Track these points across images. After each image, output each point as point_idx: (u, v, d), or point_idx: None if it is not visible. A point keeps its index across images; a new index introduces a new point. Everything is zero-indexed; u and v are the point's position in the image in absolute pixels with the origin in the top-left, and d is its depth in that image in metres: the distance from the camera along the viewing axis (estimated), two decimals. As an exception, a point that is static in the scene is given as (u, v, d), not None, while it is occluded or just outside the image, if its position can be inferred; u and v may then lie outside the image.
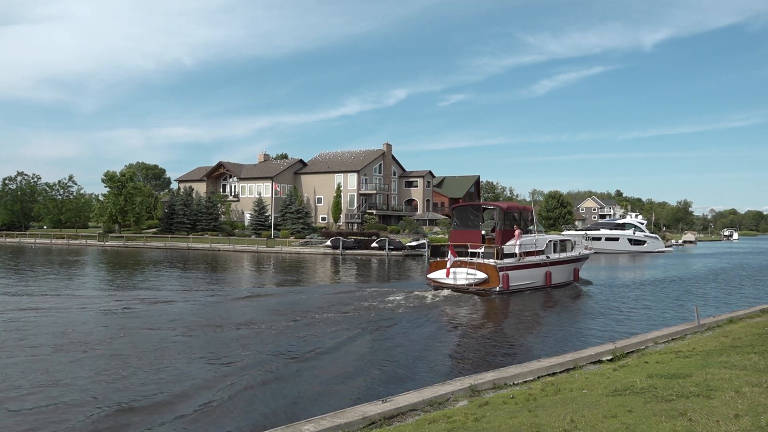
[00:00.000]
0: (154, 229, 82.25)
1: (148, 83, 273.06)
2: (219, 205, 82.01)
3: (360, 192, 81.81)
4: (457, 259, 26.34)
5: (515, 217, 28.70)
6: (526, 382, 9.99)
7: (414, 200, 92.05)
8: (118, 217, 79.46)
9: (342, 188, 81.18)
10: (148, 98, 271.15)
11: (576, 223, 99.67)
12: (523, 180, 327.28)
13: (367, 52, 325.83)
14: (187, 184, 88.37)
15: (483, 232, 28.15)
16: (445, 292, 25.65)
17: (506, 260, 26.16)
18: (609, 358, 11.64)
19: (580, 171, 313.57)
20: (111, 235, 75.97)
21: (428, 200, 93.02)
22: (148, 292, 25.93)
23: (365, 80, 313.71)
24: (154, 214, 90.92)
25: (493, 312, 21.83)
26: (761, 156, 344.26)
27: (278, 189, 77.79)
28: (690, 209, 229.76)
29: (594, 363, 11.42)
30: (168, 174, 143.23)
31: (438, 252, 28.61)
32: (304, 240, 67.01)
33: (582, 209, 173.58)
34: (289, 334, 16.35)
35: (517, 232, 27.21)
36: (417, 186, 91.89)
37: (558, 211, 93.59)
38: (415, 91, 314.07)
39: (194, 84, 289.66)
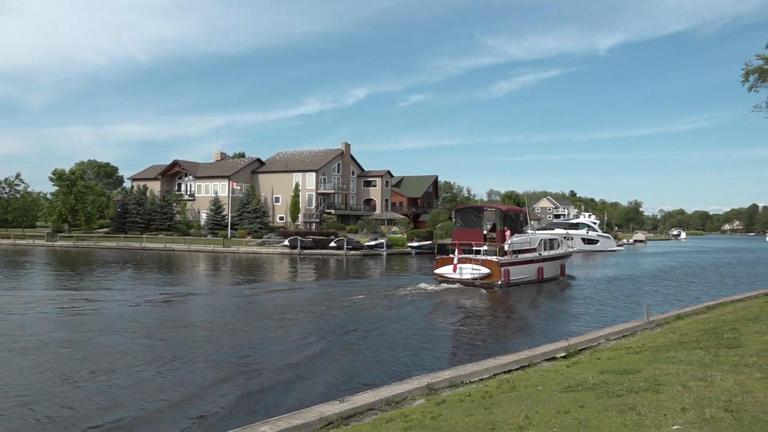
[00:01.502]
0: (106, 229, 79.96)
1: (100, 79, 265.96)
2: (174, 205, 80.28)
3: (318, 191, 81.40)
4: (463, 256, 28.60)
5: (512, 218, 31.91)
6: (482, 380, 10.09)
7: (372, 200, 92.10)
8: (68, 217, 76.97)
9: (300, 188, 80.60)
10: (101, 94, 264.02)
11: (532, 222, 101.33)
12: (480, 180, 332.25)
13: (327, 51, 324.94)
14: (141, 183, 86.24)
15: (485, 232, 30.55)
16: (449, 285, 28.19)
17: (507, 257, 28.76)
18: (563, 355, 11.85)
19: (536, 171, 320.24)
20: (60, 234, 73.55)
21: (387, 200, 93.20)
22: (98, 293, 25.18)
23: (325, 79, 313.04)
24: (106, 213, 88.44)
25: (484, 306, 22.95)
26: (707, 158, 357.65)
27: (236, 188, 76.75)
28: (640, 209, 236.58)
29: (548, 360, 11.61)
30: (121, 172, 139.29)
31: (443, 250, 30.69)
32: (261, 240, 66.26)
33: (537, 209, 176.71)
34: (251, 333, 16.14)
35: (507, 232, 29.90)
36: (376, 186, 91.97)
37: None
38: (375, 90, 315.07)
39: (149, 80, 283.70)
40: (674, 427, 5.12)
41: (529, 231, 32.94)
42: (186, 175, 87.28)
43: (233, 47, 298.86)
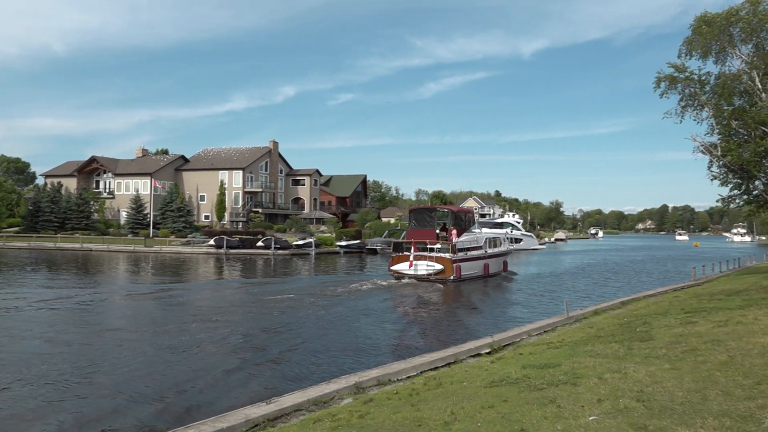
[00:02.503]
0: (16, 228, 75.33)
1: (10, 69, 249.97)
2: (92, 203, 76.51)
3: (245, 190, 79.94)
4: (418, 253, 30.49)
5: (462, 218, 34.19)
6: (409, 377, 10.17)
7: (301, 199, 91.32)
8: (-27, 215, 72.12)
9: (226, 186, 78.89)
10: (11, 85, 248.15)
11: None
12: (409, 180, 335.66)
13: (255, 47, 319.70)
14: (56, 180, 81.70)
15: (437, 231, 32.52)
16: (406, 280, 30.29)
17: (458, 254, 30.85)
18: (487, 351, 12.13)
19: (462, 172, 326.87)
20: (-36, 234, 68.78)
21: (315, 199, 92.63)
22: (6, 295, 23.70)
23: (253, 76, 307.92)
24: (17, 211, 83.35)
25: (428, 302, 23.65)
26: (623, 160, 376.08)
27: (158, 186, 74.19)
28: (561, 209, 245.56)
29: (473, 356, 11.85)
30: (33, 168, 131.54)
31: (399, 248, 32.33)
32: (185, 239, 64.45)
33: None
34: (175, 335, 15.61)
35: (453, 231, 31.72)
36: (304, 184, 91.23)
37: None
38: (304, 88, 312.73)
39: (65, 72, 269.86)
40: (591, 418, 5.32)
41: (475, 230, 35.36)
42: (105, 172, 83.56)
43: (157, 40, 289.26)
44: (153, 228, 70.01)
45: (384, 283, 29.24)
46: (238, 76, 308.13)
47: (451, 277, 29.92)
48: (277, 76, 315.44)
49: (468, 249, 32.34)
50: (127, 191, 79.54)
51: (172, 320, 18.34)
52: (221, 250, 56.27)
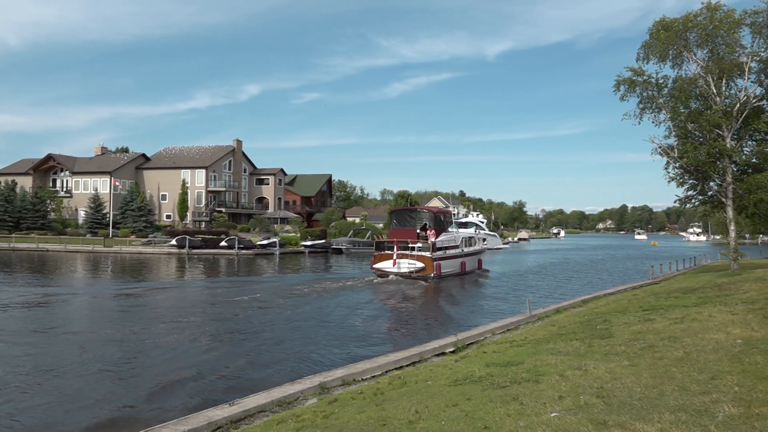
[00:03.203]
0: (-32, 228, 72.80)
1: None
2: (48, 202, 74.31)
3: (208, 189, 78.84)
4: (401, 252, 31.82)
5: (441, 219, 35.55)
6: (374, 377, 10.17)
7: (265, 198, 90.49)
8: None
9: (189, 185, 77.67)
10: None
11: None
12: (374, 179, 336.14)
13: (219, 45, 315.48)
14: (9, 178, 78.97)
15: (418, 231, 33.73)
16: (386, 278, 31.56)
17: (438, 253, 32.26)
18: (452, 349, 12.22)
19: (427, 171, 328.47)
20: None
21: (280, 198, 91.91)
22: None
23: (217, 74, 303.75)
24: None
25: (403, 298, 24.25)
26: (585, 161, 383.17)
27: (117, 184, 72.55)
28: (524, 209, 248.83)
29: (438, 355, 11.93)
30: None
31: (381, 247, 33.36)
32: (146, 239, 63.22)
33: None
34: (136, 336, 15.28)
35: (431, 232, 32.86)
36: (268, 184, 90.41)
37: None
38: (269, 87, 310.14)
39: (21, 67, 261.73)
40: (552, 414, 5.40)
41: (452, 230, 37.09)
42: (62, 171, 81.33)
43: (118, 35, 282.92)
44: (113, 228, 68.44)
45: (364, 282, 30.67)
46: (201, 73, 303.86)
47: (432, 275, 31.32)
48: (241, 75, 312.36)
49: (446, 248, 33.93)
50: (85, 190, 77.51)
51: (131, 322, 17.96)
52: (183, 250, 55.40)
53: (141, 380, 11.25)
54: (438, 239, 32.96)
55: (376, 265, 32.65)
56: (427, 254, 31.71)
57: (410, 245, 32.14)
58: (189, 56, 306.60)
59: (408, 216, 35.79)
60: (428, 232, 32.95)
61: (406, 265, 31.60)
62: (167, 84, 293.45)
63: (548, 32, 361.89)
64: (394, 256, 31.70)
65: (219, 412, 7.95)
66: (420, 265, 31.39)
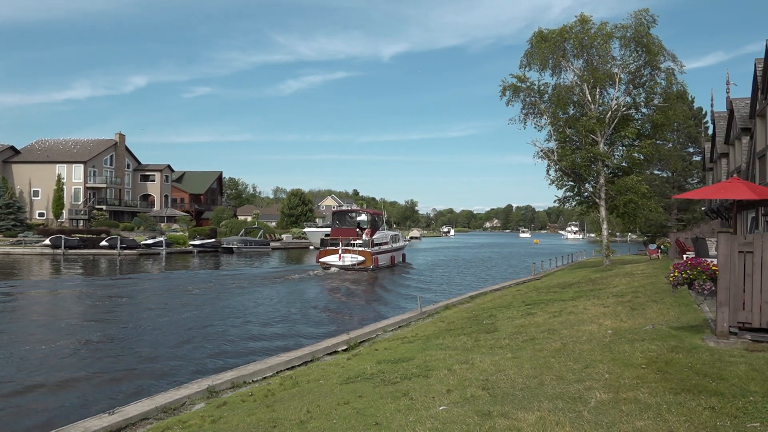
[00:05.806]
0: None
1: None
2: None
3: (87, 185, 74.09)
4: (344, 247, 37.24)
5: (376, 219, 42.84)
6: (265, 378, 9.98)
7: (151, 195, 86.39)
8: None
9: (65, 181, 72.59)
10: None
11: (317, 220, 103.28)
12: (268, 177, 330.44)
13: (102, 32, 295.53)
14: None
15: (357, 229, 39.88)
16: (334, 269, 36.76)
17: (375, 248, 38.31)
18: (344, 348, 12.23)
19: (322, 170, 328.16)
20: None
21: (167, 196, 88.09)
22: None
23: (99, 63, 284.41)
24: None
25: (314, 294, 23.29)
26: (473, 163, 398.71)
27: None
28: (416, 208, 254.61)
29: (331, 354, 11.90)
30: None
31: (325, 243, 38.91)
32: (15, 239, 58.38)
33: (323, 207, 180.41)
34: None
35: (367, 231, 39.49)
36: (154, 180, 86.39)
37: (300, 208, 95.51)
38: (157, 79, 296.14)
39: None
40: (441, 408, 5.54)
41: (383, 229, 44.29)
42: None
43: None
44: (-24, 226, 62.54)
45: (314, 273, 35.18)
46: (81, 61, 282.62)
47: (371, 267, 36.96)
48: (126, 64, 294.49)
49: (381, 244, 40.04)
50: (-57, 185, 70.24)
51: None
52: (58, 251, 51.69)
53: (8, 390, 10.34)
54: (374, 237, 39.02)
55: (322, 259, 37.71)
56: (368, 249, 37.28)
57: (352, 242, 37.76)
58: (68, 43, 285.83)
59: (347, 216, 42.66)
60: (366, 230, 39.21)
61: (350, 259, 36.75)
62: (41, 71, 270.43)
63: (442, 36, 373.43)
64: (340, 251, 36.86)
65: (97, 422, 7.46)
66: (361, 258, 36.88)
